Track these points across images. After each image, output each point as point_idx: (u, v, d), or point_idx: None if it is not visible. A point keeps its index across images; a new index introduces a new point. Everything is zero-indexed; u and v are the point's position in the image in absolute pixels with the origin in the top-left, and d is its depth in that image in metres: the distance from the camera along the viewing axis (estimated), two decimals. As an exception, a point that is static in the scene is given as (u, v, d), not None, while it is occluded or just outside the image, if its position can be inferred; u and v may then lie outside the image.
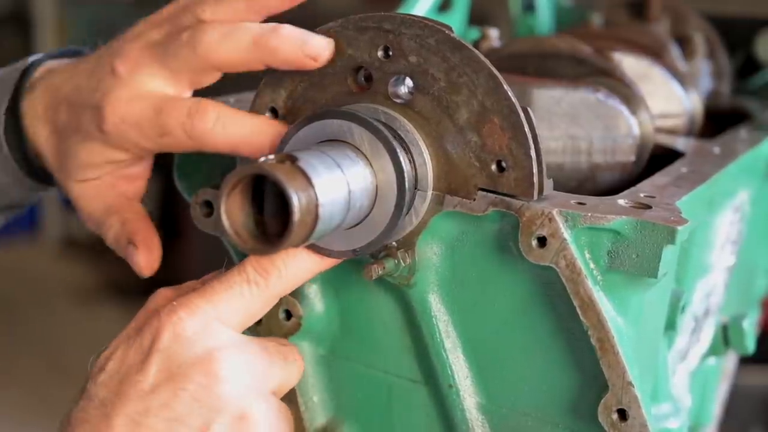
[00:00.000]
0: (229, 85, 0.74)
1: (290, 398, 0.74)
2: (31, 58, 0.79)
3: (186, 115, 0.68)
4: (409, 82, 0.65)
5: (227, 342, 0.64)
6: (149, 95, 0.69)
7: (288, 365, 0.68)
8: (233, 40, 0.67)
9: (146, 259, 0.75)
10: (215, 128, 0.67)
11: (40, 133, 0.76)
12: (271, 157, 0.58)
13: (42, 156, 0.77)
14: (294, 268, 0.66)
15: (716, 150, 0.89)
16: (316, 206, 0.57)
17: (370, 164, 0.63)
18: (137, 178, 0.77)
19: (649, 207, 0.64)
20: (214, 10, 0.69)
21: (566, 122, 0.79)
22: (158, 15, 0.73)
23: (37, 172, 0.79)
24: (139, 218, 0.76)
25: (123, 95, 0.69)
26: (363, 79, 0.67)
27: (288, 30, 0.67)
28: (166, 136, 0.69)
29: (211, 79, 0.70)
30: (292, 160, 0.58)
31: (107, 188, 0.76)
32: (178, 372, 0.62)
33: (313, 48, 0.66)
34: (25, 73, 0.77)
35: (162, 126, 0.68)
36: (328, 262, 0.67)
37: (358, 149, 0.63)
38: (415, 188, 0.65)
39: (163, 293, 0.68)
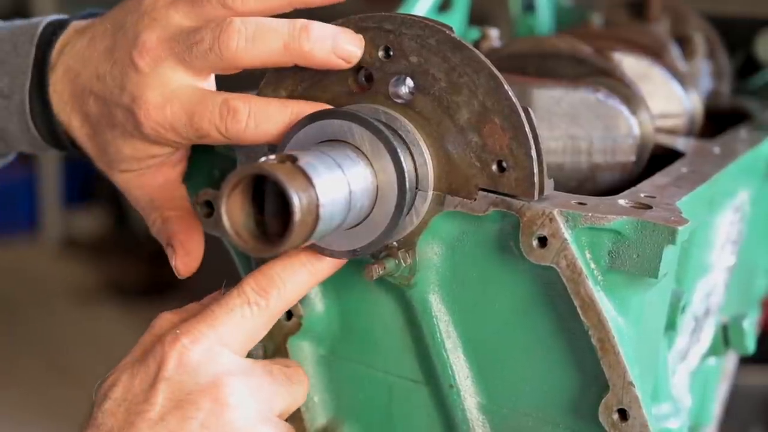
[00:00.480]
0: (231, 82, 0.73)
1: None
2: (42, 24, 0.76)
3: (219, 117, 0.67)
4: (409, 82, 0.65)
5: (232, 368, 0.64)
6: (177, 95, 0.68)
7: (293, 387, 0.68)
8: (263, 44, 0.66)
9: (182, 262, 0.74)
10: (248, 127, 0.67)
11: (72, 122, 0.75)
12: (272, 157, 0.58)
13: (76, 142, 0.76)
14: (292, 284, 0.66)
15: (716, 150, 0.89)
16: (317, 206, 0.57)
17: (371, 164, 0.63)
18: (180, 161, 0.76)
19: (649, 207, 0.64)
20: (245, 1, 0.68)
21: (566, 122, 0.79)
22: None
23: (67, 146, 0.78)
24: (180, 216, 0.75)
25: (151, 99, 0.68)
26: (363, 79, 0.67)
27: (318, 31, 0.66)
28: (204, 138, 0.69)
29: (234, 72, 0.69)
30: (293, 160, 0.58)
31: (152, 177, 0.75)
32: (186, 400, 0.62)
33: (345, 51, 0.66)
34: (45, 45, 0.75)
35: (197, 129, 0.68)
36: (325, 274, 0.67)
37: (359, 149, 0.63)
38: (416, 188, 0.65)
39: (166, 317, 0.68)
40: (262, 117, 0.66)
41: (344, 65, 0.66)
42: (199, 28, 0.67)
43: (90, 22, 0.76)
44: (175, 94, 0.68)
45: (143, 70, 0.68)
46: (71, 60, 0.74)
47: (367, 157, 0.63)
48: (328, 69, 0.67)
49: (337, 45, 0.65)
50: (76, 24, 0.76)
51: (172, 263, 0.74)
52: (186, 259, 0.74)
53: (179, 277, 0.75)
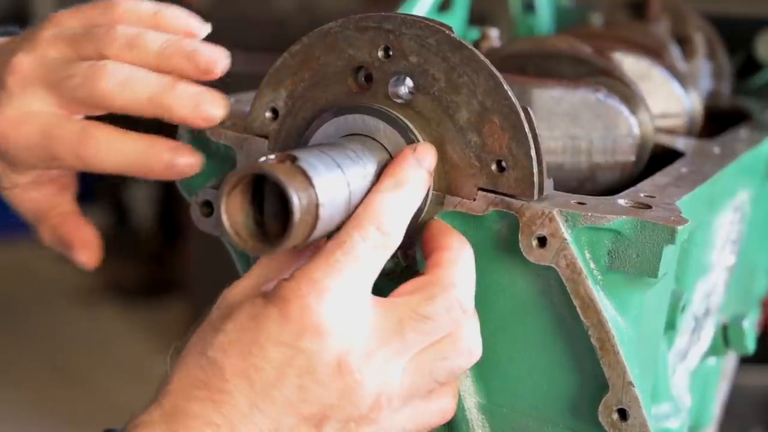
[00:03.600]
0: (229, 84, 0.73)
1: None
2: None
3: (76, 141, 0.68)
4: (409, 82, 0.65)
5: (361, 336, 0.59)
6: (36, 117, 0.69)
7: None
8: (130, 92, 0.67)
9: (86, 255, 0.75)
10: (102, 154, 0.68)
11: None
12: (272, 156, 0.58)
13: None
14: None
15: (716, 150, 0.89)
16: (317, 206, 0.57)
17: (380, 162, 0.63)
18: (61, 175, 0.76)
19: (649, 207, 0.64)
20: (119, 54, 0.69)
21: (566, 122, 0.79)
22: (60, 27, 0.71)
23: None
24: (66, 218, 0.76)
25: (9, 115, 0.69)
26: (363, 79, 0.67)
27: (183, 89, 0.67)
28: (57, 161, 0.69)
29: (103, 113, 0.70)
30: (293, 159, 0.58)
31: (33, 193, 0.75)
32: (312, 372, 0.58)
33: (205, 112, 0.67)
34: None
35: (52, 152, 0.69)
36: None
37: (381, 144, 0.64)
38: (416, 188, 0.65)
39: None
40: (118, 145, 0.68)
41: (203, 125, 0.68)
42: (73, 64, 0.69)
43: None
44: (34, 115, 0.69)
45: (10, 88, 0.69)
46: None
47: (387, 152, 0.64)
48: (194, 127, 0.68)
49: (199, 106, 0.67)
50: None
51: (76, 259, 0.75)
52: (87, 251, 0.75)
53: (87, 270, 0.76)
